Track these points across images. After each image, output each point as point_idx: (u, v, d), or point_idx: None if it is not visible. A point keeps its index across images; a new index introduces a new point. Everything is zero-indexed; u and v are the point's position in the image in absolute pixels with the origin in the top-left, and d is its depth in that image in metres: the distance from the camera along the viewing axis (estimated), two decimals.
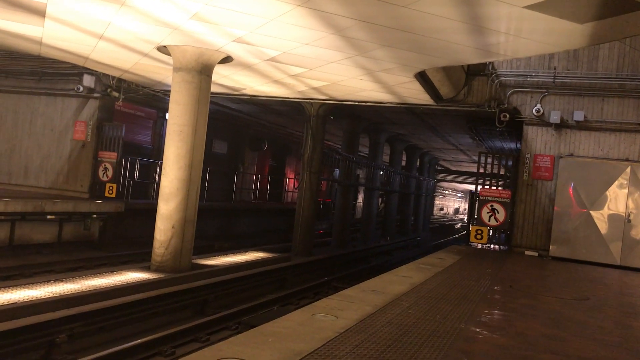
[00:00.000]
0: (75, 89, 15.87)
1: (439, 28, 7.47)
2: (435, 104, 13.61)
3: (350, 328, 5.13)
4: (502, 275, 9.72)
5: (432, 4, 6.54)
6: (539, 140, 13.58)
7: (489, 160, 14.33)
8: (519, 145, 14.86)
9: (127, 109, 17.88)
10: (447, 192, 68.29)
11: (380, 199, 28.96)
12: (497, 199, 13.44)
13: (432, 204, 44.35)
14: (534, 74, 13.54)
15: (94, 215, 14.87)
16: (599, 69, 13.14)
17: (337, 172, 25.62)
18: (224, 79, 12.86)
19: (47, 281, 8.77)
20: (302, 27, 8.01)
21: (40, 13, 8.83)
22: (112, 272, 9.98)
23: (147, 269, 10.42)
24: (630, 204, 12.74)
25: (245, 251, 14.32)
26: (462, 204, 78.12)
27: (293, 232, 17.10)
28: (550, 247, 13.20)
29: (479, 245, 14.13)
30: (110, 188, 15.58)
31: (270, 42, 9.05)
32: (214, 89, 12.28)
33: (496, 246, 14.33)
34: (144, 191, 18.75)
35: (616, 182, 12.83)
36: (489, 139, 19.01)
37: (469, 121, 16.71)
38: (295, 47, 9.19)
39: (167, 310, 9.23)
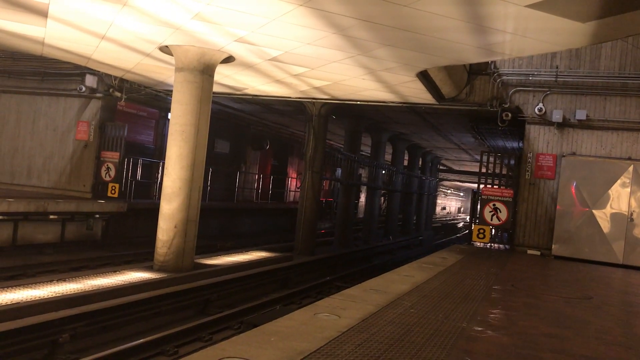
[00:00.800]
0: (78, 89, 15.90)
1: (440, 27, 7.46)
2: (437, 103, 13.60)
3: (353, 327, 5.13)
4: (504, 275, 9.71)
5: (433, 3, 6.54)
6: (541, 139, 13.56)
7: (491, 159, 14.32)
8: (521, 144, 14.84)
9: (129, 109, 17.90)
10: (449, 191, 68.25)
11: (382, 199, 28.96)
12: (500, 198, 13.43)
13: (435, 203, 44.33)
14: (536, 73, 13.53)
15: (97, 215, 14.89)
16: (602, 67, 13.12)
17: (339, 171, 25.63)
18: (226, 78, 12.87)
19: (50, 281, 8.79)
20: (304, 27, 8.01)
21: (43, 13, 8.85)
22: (114, 271, 9.99)
23: (149, 268, 10.44)
24: (633, 203, 12.72)
25: (248, 251, 14.34)
26: (465, 203, 78.05)
27: (295, 232, 17.11)
28: (553, 246, 13.18)
29: (481, 245, 14.12)
30: (113, 188, 15.60)
31: (272, 41, 9.05)
32: (216, 88, 12.29)
33: (498, 245, 14.32)
34: (147, 191, 18.76)
35: (619, 181, 12.81)
36: (491, 138, 18.98)
37: (471, 120, 16.69)
38: (297, 46, 9.19)
39: (169, 309, 9.25)
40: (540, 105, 13.38)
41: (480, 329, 5.59)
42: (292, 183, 30.59)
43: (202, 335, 8.37)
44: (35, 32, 10.23)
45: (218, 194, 22.22)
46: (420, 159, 30.90)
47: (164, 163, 11.04)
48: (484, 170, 14.25)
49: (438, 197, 53.66)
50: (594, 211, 12.94)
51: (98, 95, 15.99)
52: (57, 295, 7.87)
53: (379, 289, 7.17)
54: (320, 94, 14.06)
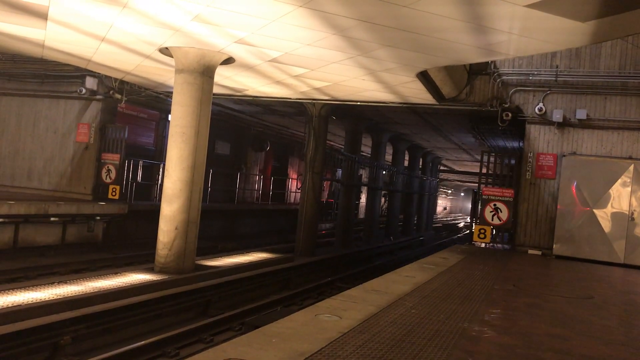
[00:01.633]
0: (78, 91, 15.90)
1: (440, 27, 7.46)
2: (437, 103, 13.60)
3: (354, 328, 5.13)
4: (505, 275, 9.71)
5: (433, 4, 6.54)
6: (541, 139, 13.56)
7: (492, 159, 14.32)
8: (521, 144, 14.84)
9: (129, 111, 17.92)
10: (450, 191, 68.24)
11: (383, 199, 28.96)
12: (500, 198, 13.42)
13: (435, 204, 44.30)
14: (536, 73, 13.53)
15: (98, 217, 14.90)
16: (601, 67, 13.12)
17: (339, 172, 25.62)
18: (226, 80, 12.87)
19: (51, 283, 8.79)
20: (303, 28, 8.01)
21: (43, 16, 8.85)
22: (115, 273, 9.99)
23: (150, 270, 10.44)
24: (634, 202, 12.71)
25: (249, 252, 14.34)
26: (465, 203, 78.00)
27: (296, 233, 17.11)
28: (554, 245, 13.18)
29: (482, 245, 14.11)
30: (114, 190, 15.60)
31: (272, 43, 9.05)
32: (216, 90, 12.30)
33: (499, 245, 14.31)
34: (147, 193, 18.78)
35: (619, 180, 12.80)
36: (492, 138, 18.99)
37: (471, 120, 16.69)
38: (297, 47, 9.19)
39: (171, 311, 9.25)
40: (541, 105, 13.38)
41: (482, 329, 5.58)
42: (293, 184, 30.60)
43: (203, 337, 8.37)
44: (35, 34, 10.24)
45: (219, 195, 22.23)
46: (421, 160, 30.91)
47: (164, 165, 11.04)
48: (484, 170, 14.24)
49: (439, 198, 53.63)
50: (594, 211, 12.93)
51: (98, 97, 15.99)
52: (58, 297, 7.87)
53: (380, 289, 7.17)
54: (320, 94, 14.06)
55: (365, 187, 25.32)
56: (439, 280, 8.36)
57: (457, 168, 41.08)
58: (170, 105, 11.14)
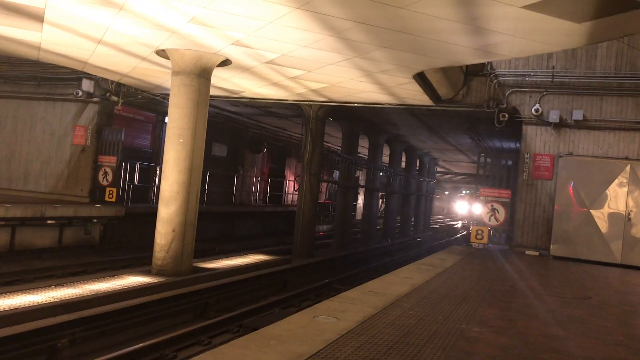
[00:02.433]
0: (75, 93, 15.88)
1: (437, 29, 7.48)
2: (434, 104, 13.62)
3: (352, 330, 5.13)
4: (503, 275, 9.72)
5: (430, 5, 6.55)
6: (538, 139, 13.59)
7: (489, 160, 14.34)
8: (518, 145, 14.87)
9: (126, 113, 17.89)
10: (447, 192, 68.23)
11: (380, 201, 28.95)
12: (497, 199, 13.44)
13: (432, 205, 44.25)
14: (532, 74, 13.56)
15: (95, 220, 14.86)
16: (598, 67, 13.16)
17: (337, 173, 25.62)
18: (223, 82, 12.87)
19: (48, 286, 8.77)
20: (300, 30, 8.02)
21: (39, 18, 8.84)
22: (113, 276, 9.97)
23: (148, 272, 10.42)
24: (630, 203, 12.74)
25: (246, 254, 14.32)
26: (463, 204, 77.98)
27: (294, 234, 17.10)
28: (551, 246, 13.20)
29: (480, 246, 14.13)
30: (111, 192, 15.57)
31: (269, 44, 9.06)
32: (212, 92, 12.29)
33: (497, 246, 14.33)
34: (144, 195, 18.74)
35: (616, 181, 12.83)
36: (489, 139, 19.01)
37: (468, 121, 16.71)
38: (294, 49, 9.20)
39: (168, 313, 9.22)
40: (537, 105, 13.41)
41: (479, 330, 5.59)
42: (290, 185, 30.59)
43: (201, 339, 8.34)
44: (31, 36, 10.22)
45: (216, 197, 22.20)
46: (418, 161, 30.94)
47: (161, 167, 11.03)
48: (481, 171, 14.26)
49: (436, 199, 53.62)
50: (591, 211, 12.96)
51: (95, 99, 15.97)
52: (56, 300, 7.85)
53: (377, 291, 7.17)
54: (317, 96, 14.07)
55: (363, 189, 25.31)
56: (437, 282, 8.37)
57: (454, 169, 41.09)
58: (167, 107, 11.13)
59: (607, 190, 12.89)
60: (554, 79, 13.34)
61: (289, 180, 30.60)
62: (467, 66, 13.62)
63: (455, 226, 49.08)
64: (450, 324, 5.73)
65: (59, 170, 16.31)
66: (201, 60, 10.20)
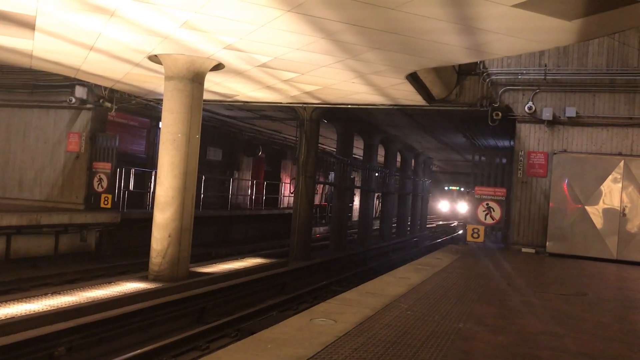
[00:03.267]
0: (68, 100, 15.83)
1: (428, 29, 7.50)
2: (427, 104, 13.65)
3: (349, 331, 5.13)
4: (499, 273, 9.74)
5: (420, 6, 6.57)
6: (532, 137, 13.63)
7: (483, 158, 14.37)
8: (512, 143, 14.92)
9: (120, 119, 17.85)
10: (442, 191, 68.28)
11: (377, 201, 28.98)
12: (493, 197, 13.47)
13: (428, 204, 44.25)
14: (524, 72, 13.61)
15: (90, 227, 14.82)
16: (589, 64, 13.22)
17: (332, 175, 25.63)
18: (216, 86, 12.86)
19: (45, 294, 8.74)
20: (292, 32, 8.03)
21: (30, 26, 8.82)
22: (109, 283, 9.95)
23: (144, 278, 10.39)
24: (625, 198, 12.79)
25: (243, 258, 14.30)
26: (458, 203, 78.09)
27: (290, 237, 17.09)
28: (547, 243, 13.23)
29: (476, 244, 14.15)
30: (106, 199, 15.53)
31: (261, 48, 9.06)
32: (206, 96, 12.28)
33: (493, 244, 14.36)
34: (140, 201, 18.70)
35: (610, 177, 12.89)
36: (483, 137, 19.07)
37: (461, 121, 16.76)
38: (286, 52, 9.21)
39: (166, 319, 9.21)
40: (530, 103, 13.45)
41: (477, 328, 5.60)
42: (286, 188, 30.58)
43: (199, 344, 8.33)
44: (23, 44, 10.19)
45: (212, 201, 22.18)
46: (413, 161, 30.99)
47: (156, 172, 11.01)
48: (476, 170, 14.29)
49: (432, 198, 53.57)
50: (586, 207, 13.01)
51: (88, 106, 15.93)
52: (52, 308, 7.83)
53: (375, 292, 7.18)
54: (311, 98, 14.08)
55: (359, 190, 25.32)
56: (434, 281, 8.38)
57: (449, 168, 41.15)
58: (160, 112, 11.12)
59: (601, 187, 12.94)
60: (547, 77, 13.39)
61: (285, 183, 30.59)
62: (459, 65, 13.66)
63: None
64: (448, 323, 5.74)
65: (53, 178, 16.25)
66: (194, 64, 10.20)
